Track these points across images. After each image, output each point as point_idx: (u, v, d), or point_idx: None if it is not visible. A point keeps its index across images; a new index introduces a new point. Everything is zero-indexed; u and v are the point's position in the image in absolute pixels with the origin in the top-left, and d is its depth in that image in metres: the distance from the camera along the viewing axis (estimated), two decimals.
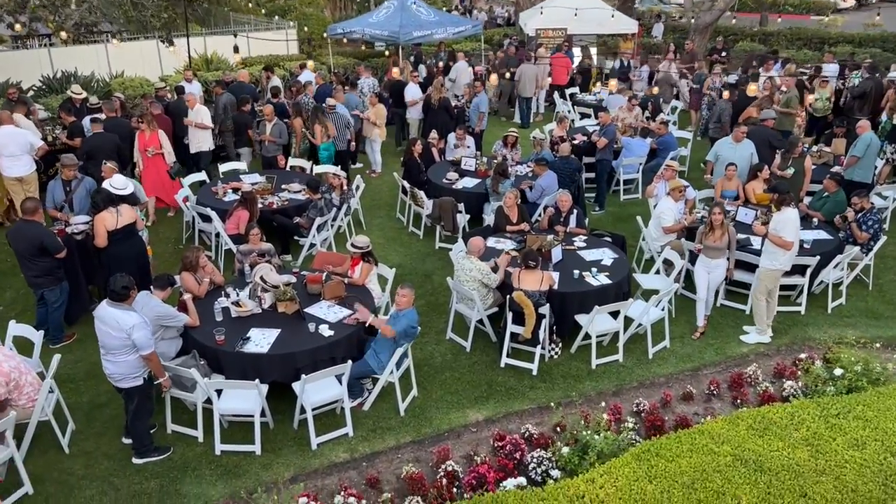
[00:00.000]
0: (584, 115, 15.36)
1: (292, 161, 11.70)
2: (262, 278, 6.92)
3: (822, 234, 8.82)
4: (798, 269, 8.39)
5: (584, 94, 16.53)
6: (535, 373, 7.24)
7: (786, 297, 8.60)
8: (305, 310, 6.88)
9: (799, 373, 7.18)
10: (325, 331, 6.49)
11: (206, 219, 9.42)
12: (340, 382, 6.20)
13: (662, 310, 7.70)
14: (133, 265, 7.52)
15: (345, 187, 9.96)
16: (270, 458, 6.05)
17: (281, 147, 11.71)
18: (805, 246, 8.45)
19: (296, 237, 9.52)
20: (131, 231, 7.75)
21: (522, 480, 5.16)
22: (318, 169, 11.45)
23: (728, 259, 7.79)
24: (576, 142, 12.11)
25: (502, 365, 7.35)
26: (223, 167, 11.40)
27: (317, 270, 7.63)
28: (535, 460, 5.83)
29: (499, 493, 4.46)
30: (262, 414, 6.16)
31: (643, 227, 9.22)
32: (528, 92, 15.90)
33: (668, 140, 12.10)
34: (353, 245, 7.49)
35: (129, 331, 5.41)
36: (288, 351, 6.25)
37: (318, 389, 6.18)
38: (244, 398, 6.06)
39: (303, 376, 5.89)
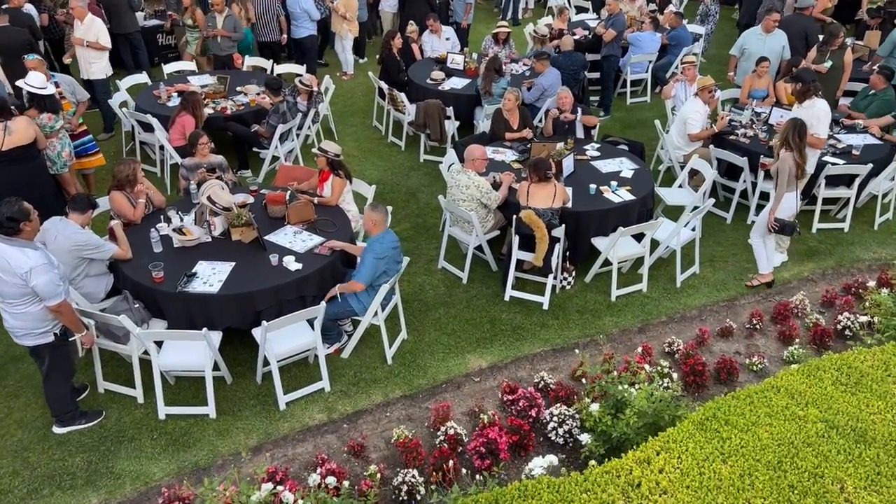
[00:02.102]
0: (580, 9, 13.67)
1: (252, 60, 10.02)
2: (210, 198, 5.53)
3: (871, 139, 7.61)
4: (843, 180, 7.23)
5: None
6: (545, 307, 6.09)
7: (825, 212, 7.48)
8: (266, 237, 5.57)
9: (854, 302, 6.14)
10: (292, 263, 5.20)
11: (149, 128, 7.85)
12: (312, 327, 4.97)
13: (693, 230, 6.52)
14: (29, 194, 5.99)
15: (314, 90, 8.39)
16: (228, 422, 4.89)
17: (236, 44, 9.98)
18: (854, 152, 7.25)
19: (255, 149, 8.04)
20: (27, 154, 6.19)
21: (553, 459, 4.06)
22: (280, 69, 9.81)
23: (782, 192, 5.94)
24: (576, 37, 10.57)
25: (506, 299, 6.19)
26: (168, 67, 9.70)
27: (280, 188, 6.25)
28: (555, 419, 4.76)
29: (527, 483, 3.35)
30: (216, 368, 4.95)
31: (661, 133, 7.91)
32: None
33: (682, 34, 10.59)
34: (319, 149, 6.08)
35: (26, 276, 4.07)
36: (245, 290, 4.97)
37: (285, 337, 4.96)
38: (191, 350, 4.82)
39: (264, 322, 4.65)
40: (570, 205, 6.24)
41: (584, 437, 4.47)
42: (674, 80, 8.77)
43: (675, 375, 4.84)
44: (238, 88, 8.71)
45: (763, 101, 8.43)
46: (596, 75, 10.26)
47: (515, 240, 6.05)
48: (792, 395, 3.87)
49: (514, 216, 5.98)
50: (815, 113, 6.52)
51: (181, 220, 5.69)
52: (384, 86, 9.01)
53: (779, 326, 5.95)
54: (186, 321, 4.96)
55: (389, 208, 5.92)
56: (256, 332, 4.88)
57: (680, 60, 8.64)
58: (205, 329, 4.57)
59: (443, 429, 4.69)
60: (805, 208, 7.47)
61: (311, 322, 4.99)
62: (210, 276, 5.08)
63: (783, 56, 8.96)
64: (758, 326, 5.92)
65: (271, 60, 9.99)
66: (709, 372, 5.35)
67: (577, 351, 5.63)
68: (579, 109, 7.71)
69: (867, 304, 5.87)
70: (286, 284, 5.05)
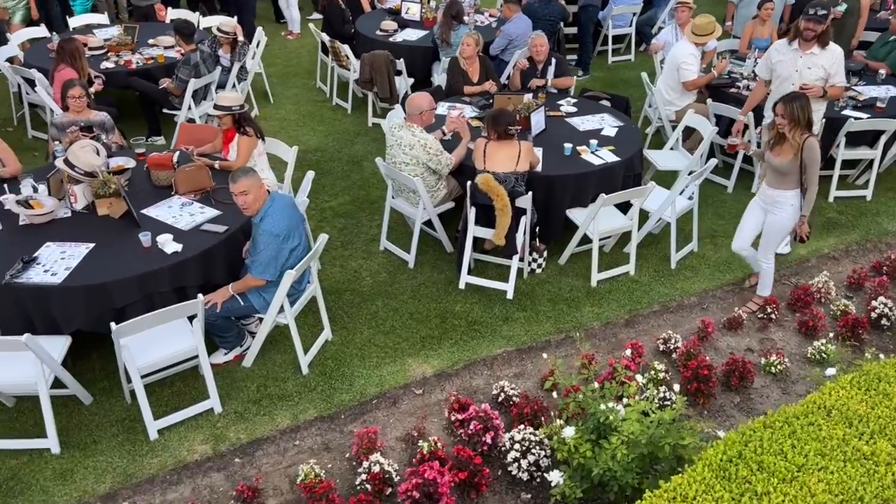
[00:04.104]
0: None
1: (176, 13, 8.62)
2: (67, 161, 4.22)
3: (894, 90, 6.44)
4: (866, 139, 6.07)
5: None
6: (510, 296, 4.87)
7: (841, 179, 6.32)
8: (144, 210, 4.28)
9: (888, 283, 4.99)
10: (168, 244, 3.92)
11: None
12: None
13: (690, 198, 5.33)
14: None
15: (240, 39, 7.05)
16: (75, 459, 3.62)
17: None
18: (879, 105, 6.08)
19: (167, 110, 6.70)
20: None
21: None
22: (208, 21, 8.42)
23: (804, 195, 4.37)
24: None
25: (461, 286, 4.95)
26: (74, 21, 8.27)
27: (176, 150, 4.93)
28: (517, 446, 3.55)
29: None
30: (59, 384, 3.68)
31: (649, 87, 6.69)
32: None
33: None
34: (215, 106, 4.78)
35: None
36: (98, 280, 3.68)
37: (155, 342, 3.69)
38: (19, 362, 3.53)
39: (113, 325, 3.37)
40: (539, 168, 5.01)
41: (555, 475, 3.25)
42: (662, 33, 7.54)
43: (675, 386, 3.66)
44: (150, 41, 7.35)
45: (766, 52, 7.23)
46: (573, 30, 9.00)
47: (471, 212, 4.81)
48: (849, 420, 2.69)
49: (469, 183, 4.74)
50: (838, 58, 5.30)
51: (35, 190, 4.37)
52: (326, 38, 7.68)
53: (798, 315, 4.78)
54: (22, 323, 3.68)
55: (311, 173, 4.67)
56: (118, 338, 3.60)
57: (671, 6, 7.43)
58: (27, 335, 3.28)
59: (366, 463, 3.47)
60: (821, 173, 6.28)
61: (193, 321, 3.73)
62: (55, 263, 3.79)
63: (787, 0, 7.78)
64: (773, 316, 4.75)
65: (198, 13, 8.60)
66: (716, 376, 4.18)
67: (546, 354, 4.42)
68: (553, 61, 6.46)
69: None
70: (156, 272, 3.77)
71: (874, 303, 4.72)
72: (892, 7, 8.39)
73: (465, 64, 6.35)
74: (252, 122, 4.90)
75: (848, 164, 6.27)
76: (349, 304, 4.79)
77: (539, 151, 5.24)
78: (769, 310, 4.76)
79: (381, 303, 4.82)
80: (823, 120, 5.62)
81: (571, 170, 5.07)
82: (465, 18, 8.21)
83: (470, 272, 5.04)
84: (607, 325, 4.72)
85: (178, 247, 3.91)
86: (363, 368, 4.24)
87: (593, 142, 5.31)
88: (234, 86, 7.08)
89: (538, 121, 5.53)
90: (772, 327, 4.72)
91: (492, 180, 4.57)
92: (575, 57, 9.05)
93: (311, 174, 4.79)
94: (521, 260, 5.02)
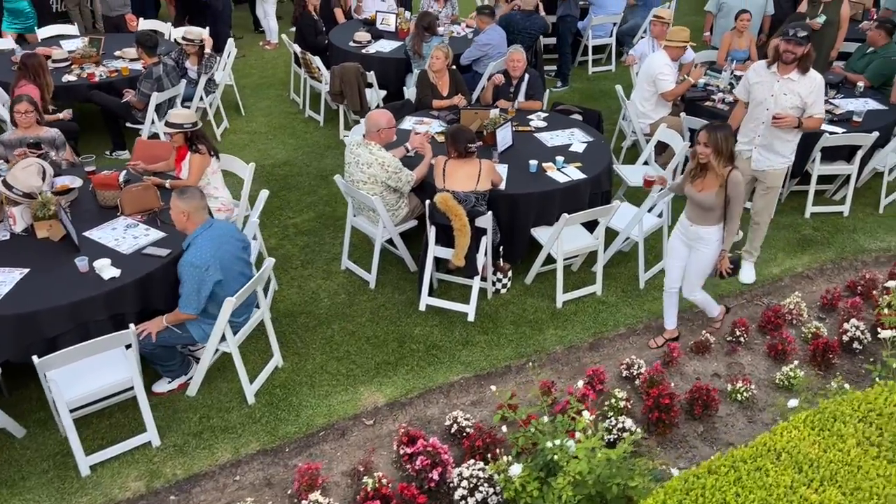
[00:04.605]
0: None
1: (148, 24, 8.48)
2: (5, 182, 4.07)
3: (873, 104, 6.32)
4: (842, 153, 5.94)
5: None
6: (471, 318, 4.71)
7: (819, 194, 6.19)
8: (87, 233, 4.12)
9: (863, 305, 4.84)
10: (106, 269, 3.76)
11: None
12: (147, 356, 3.55)
13: (660, 216, 5.18)
14: None
15: (207, 51, 6.91)
16: (1, 497, 3.45)
17: (129, 2, 8.46)
18: (855, 119, 5.95)
19: (130, 124, 6.55)
20: None
21: None
22: (179, 33, 8.27)
23: (725, 230, 4.09)
24: None
25: (422, 308, 4.80)
26: (42, 31, 8.12)
27: (124, 169, 4.77)
28: (465, 483, 3.39)
29: None
30: None
31: (623, 100, 6.55)
32: None
33: None
34: (166, 123, 4.65)
35: None
36: (27, 309, 3.52)
37: (86, 373, 3.53)
38: None
39: (35, 358, 3.21)
40: (503, 186, 4.87)
41: None
42: (639, 45, 7.40)
43: (627, 422, 3.50)
44: (117, 53, 7.21)
45: (744, 64, 7.11)
46: (552, 41, 8.87)
47: (431, 232, 4.66)
48: (799, 464, 2.53)
49: (428, 202, 4.59)
50: (817, 87, 4.73)
51: None
52: (297, 49, 7.55)
53: (768, 338, 4.63)
54: None
55: (265, 192, 4.52)
56: (51, 372, 3.44)
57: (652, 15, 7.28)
58: None
59: (306, 502, 3.30)
60: (797, 188, 6.19)
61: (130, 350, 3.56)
62: None
63: (766, 10, 7.65)
64: (742, 339, 4.60)
65: (169, 23, 8.47)
66: (679, 404, 4.02)
67: (496, 386, 4.26)
68: (526, 77, 6.28)
69: (884, 307, 4.52)
70: (91, 299, 3.61)
71: (846, 325, 4.57)
72: (875, 17, 8.27)
73: (434, 77, 6.20)
74: (205, 139, 4.75)
75: (826, 178, 6.14)
76: (304, 328, 4.63)
77: (504, 168, 5.10)
78: (739, 333, 4.61)
79: (337, 326, 4.66)
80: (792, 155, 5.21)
81: (536, 188, 4.92)
82: (440, 29, 8.09)
83: (433, 293, 4.89)
84: (570, 348, 4.56)
85: (116, 272, 3.75)
86: (312, 398, 4.08)
87: (559, 158, 5.17)
88: (201, 98, 6.94)
89: (504, 136, 5.39)
90: (741, 351, 4.57)
91: (450, 200, 4.43)
92: (554, 68, 8.94)
93: (265, 193, 4.63)
94: (485, 280, 4.86)
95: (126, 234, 4.13)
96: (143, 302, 3.80)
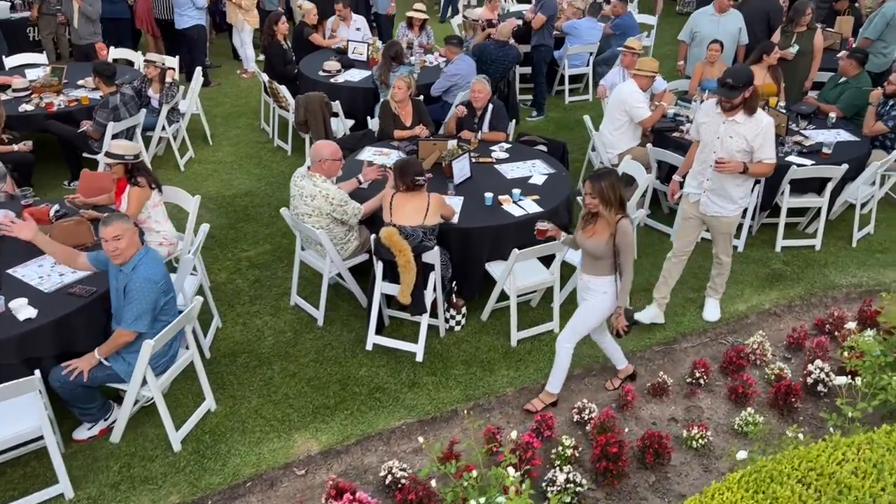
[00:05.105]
0: (522, 1, 12.26)
1: (118, 53, 8.42)
2: None
3: (845, 135, 6.18)
4: (813, 185, 5.79)
5: None
6: (419, 358, 4.51)
7: (791, 227, 6.03)
8: (16, 269, 3.95)
9: (829, 345, 4.64)
10: (22, 309, 3.58)
11: None
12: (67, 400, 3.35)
13: None
14: None
15: (167, 79, 6.81)
16: None
17: (100, 28, 8.40)
18: (825, 151, 5.81)
19: (87, 154, 6.42)
20: None
21: None
22: (147, 57, 8.19)
23: (618, 282, 3.83)
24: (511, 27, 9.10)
25: (369, 348, 4.60)
26: (11, 59, 8.05)
27: (56, 204, 4.62)
28: None
29: None
30: None
31: (592, 130, 6.42)
32: None
33: (627, 22, 9.17)
34: (107, 154, 4.50)
35: None
36: None
37: None
38: None
39: None
40: (455, 220, 4.71)
41: None
42: (610, 74, 7.30)
43: (582, 454, 3.29)
44: (80, 82, 7.11)
45: (716, 94, 6.99)
46: (528, 70, 8.80)
47: (378, 267, 4.49)
48: None
49: (373, 236, 4.42)
50: (765, 130, 4.31)
51: None
52: (265, 78, 7.46)
53: (730, 380, 4.43)
54: None
55: (205, 227, 4.36)
56: None
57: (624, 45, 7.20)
58: None
59: None
60: (767, 221, 6.02)
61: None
62: None
63: (740, 40, 7.56)
64: (702, 380, 4.39)
65: (139, 52, 8.40)
66: (631, 452, 3.81)
67: (454, 420, 4.05)
68: (490, 108, 6.15)
69: (846, 350, 4.31)
70: (2, 342, 3.42)
71: (810, 367, 4.36)
72: (852, 47, 8.18)
73: (396, 107, 6.08)
74: (146, 172, 4.61)
75: (798, 210, 5.98)
76: (243, 369, 4.43)
77: (459, 201, 4.95)
78: (698, 374, 4.41)
79: (278, 367, 4.46)
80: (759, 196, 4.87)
81: (490, 221, 4.76)
82: (412, 58, 8.03)
83: (383, 331, 4.71)
84: (522, 390, 4.35)
85: (33, 312, 3.57)
86: (243, 444, 3.87)
87: (516, 191, 5.02)
88: (163, 128, 6.83)
89: (462, 168, 5.25)
90: (700, 393, 4.36)
91: (395, 235, 4.26)
92: (530, 97, 8.85)
93: (205, 228, 4.47)
94: (432, 316, 4.67)
95: (52, 272, 3.96)
96: (63, 345, 3.62)
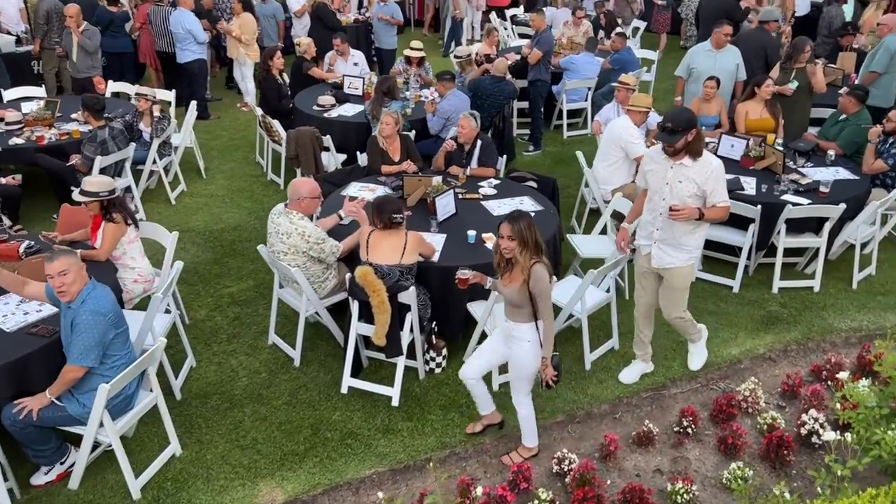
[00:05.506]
0: (524, 36, 12.31)
1: (117, 86, 8.48)
2: None
3: (844, 173, 6.03)
4: (810, 225, 5.63)
5: (526, 14, 13.40)
6: (395, 403, 4.36)
7: (789, 267, 5.85)
8: None
9: (825, 393, 4.43)
10: None
11: None
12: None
13: (608, 291, 4.85)
14: None
15: (155, 113, 6.82)
16: None
17: (99, 62, 8.46)
18: (822, 190, 5.65)
19: (75, 188, 6.36)
20: None
21: None
22: (137, 90, 8.21)
23: (539, 331, 3.63)
24: (508, 62, 9.09)
25: (344, 391, 4.45)
26: (10, 92, 8.12)
27: (27, 240, 4.55)
28: None
29: None
30: None
31: (585, 167, 6.32)
32: (462, 11, 12.79)
33: (626, 57, 9.12)
34: (81, 191, 4.45)
35: None
36: None
37: None
38: None
39: None
40: (436, 258, 4.59)
41: None
42: (605, 109, 7.22)
43: None
44: (73, 115, 7.14)
45: (713, 131, 6.90)
46: (526, 104, 8.75)
47: (354, 307, 4.36)
48: None
49: (348, 275, 4.31)
50: (714, 172, 4.02)
51: None
52: (259, 112, 7.46)
53: (719, 429, 4.22)
54: None
55: (179, 264, 4.27)
56: None
57: (618, 80, 7.15)
58: None
59: None
60: (764, 261, 5.84)
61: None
62: None
63: (737, 76, 7.48)
64: (690, 429, 4.19)
65: (136, 85, 8.44)
66: None
67: (383, 492, 3.87)
68: (479, 144, 6.08)
69: (836, 400, 4.09)
70: None
71: (804, 417, 4.15)
72: (854, 83, 8.06)
73: (384, 143, 6.02)
74: (122, 208, 4.54)
75: (796, 250, 5.81)
76: (213, 411, 4.29)
77: (441, 238, 4.84)
78: (687, 422, 4.21)
79: (249, 410, 4.32)
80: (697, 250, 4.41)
81: (472, 260, 4.62)
82: (408, 93, 8.02)
83: (360, 373, 4.56)
84: (501, 438, 4.18)
85: None
86: (206, 493, 3.71)
87: None
88: (154, 161, 6.81)
89: (446, 204, 5.14)
90: (688, 443, 4.16)
91: (370, 274, 4.14)
92: (527, 131, 8.79)
93: (178, 265, 4.38)
94: (413, 359, 4.53)
95: (17, 310, 3.87)
96: (19, 386, 3.51)
